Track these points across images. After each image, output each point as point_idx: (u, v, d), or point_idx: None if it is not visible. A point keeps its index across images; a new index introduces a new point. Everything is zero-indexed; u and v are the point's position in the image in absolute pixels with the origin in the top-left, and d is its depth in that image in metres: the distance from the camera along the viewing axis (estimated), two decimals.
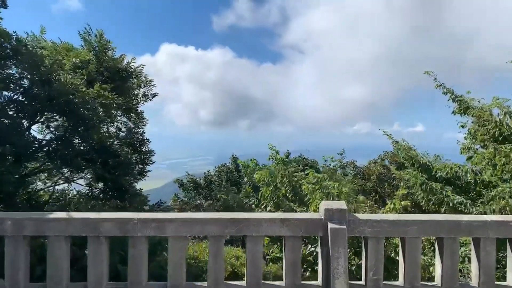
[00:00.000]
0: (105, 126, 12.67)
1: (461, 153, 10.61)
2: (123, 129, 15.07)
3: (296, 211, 8.87)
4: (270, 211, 9.12)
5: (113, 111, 12.65)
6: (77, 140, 11.71)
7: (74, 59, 11.64)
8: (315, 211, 7.83)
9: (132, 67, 13.62)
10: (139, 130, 16.22)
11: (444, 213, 9.53)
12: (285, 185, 11.12)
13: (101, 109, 11.73)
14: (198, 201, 22.26)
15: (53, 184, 13.22)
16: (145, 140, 15.75)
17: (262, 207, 9.46)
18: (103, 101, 11.42)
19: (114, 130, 14.40)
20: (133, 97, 14.84)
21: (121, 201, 13.25)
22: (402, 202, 8.14)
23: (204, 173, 27.21)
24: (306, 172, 11.00)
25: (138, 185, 15.43)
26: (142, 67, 14.27)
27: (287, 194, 10.86)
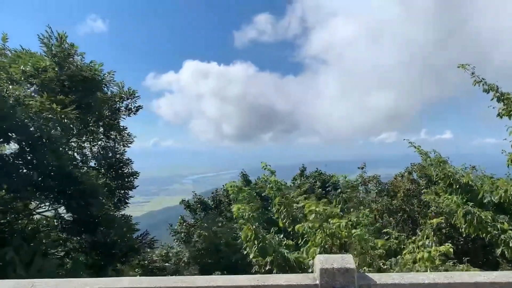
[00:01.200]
0: (67, 147, 10.40)
1: (508, 165, 8.04)
2: (99, 150, 12.85)
3: (290, 261, 6.30)
4: (254, 259, 6.59)
5: (76, 129, 10.36)
6: (30, 165, 9.51)
7: (23, 67, 9.45)
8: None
9: (100, 75, 11.38)
10: (122, 149, 13.99)
11: (503, 255, 6.78)
12: (282, 216, 8.64)
13: (56, 126, 9.48)
14: (205, 224, 19.95)
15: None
16: (127, 161, 13.47)
17: (245, 253, 6.96)
18: (61, 116, 9.20)
19: (87, 152, 12.18)
20: (108, 112, 12.62)
21: (92, 234, 10.95)
22: (441, 248, 5.48)
23: (212, 193, 24.79)
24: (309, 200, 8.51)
25: (132, 211, 13.22)
26: (113, 75, 12.04)
27: (287, 228, 8.39)
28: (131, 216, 14.57)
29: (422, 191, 19.50)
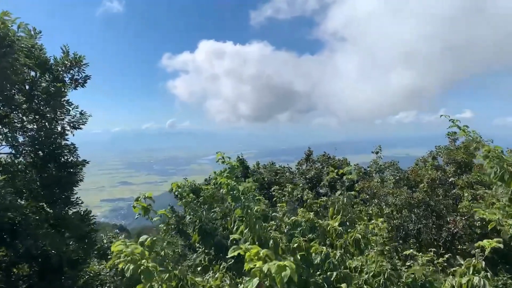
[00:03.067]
0: None
1: None
2: (27, 134, 9.76)
3: None
4: None
5: None
6: None
7: None
8: None
9: (13, 31, 8.19)
10: (70, 131, 10.87)
11: None
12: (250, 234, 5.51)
13: None
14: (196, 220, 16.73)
15: None
16: (68, 147, 10.35)
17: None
18: None
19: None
20: (44, 82, 9.47)
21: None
22: None
23: (205, 179, 21.70)
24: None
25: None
26: (38, 34, 8.82)
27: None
28: (88, 213, 11.64)
29: (450, 180, 16.06)
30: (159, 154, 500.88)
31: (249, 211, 5.31)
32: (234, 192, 5.18)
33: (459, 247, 15.65)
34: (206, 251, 6.64)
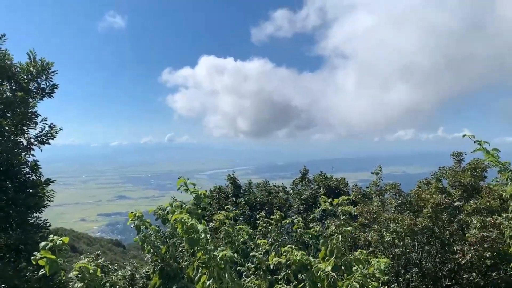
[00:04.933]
0: None
1: None
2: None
3: None
4: None
5: None
6: None
7: None
8: None
9: None
10: (38, 146, 9.67)
11: None
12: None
13: None
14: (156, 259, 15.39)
15: None
16: (29, 166, 9.10)
17: None
18: None
19: None
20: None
21: None
22: None
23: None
24: None
25: None
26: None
27: None
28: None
29: (455, 205, 14.80)
30: (157, 169, 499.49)
31: (212, 257, 4.03)
32: (192, 233, 3.92)
33: (464, 276, 14.36)
34: None
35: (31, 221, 10.16)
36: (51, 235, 3.51)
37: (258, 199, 20.62)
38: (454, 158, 16.63)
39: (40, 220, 10.44)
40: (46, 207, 10.58)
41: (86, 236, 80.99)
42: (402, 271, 14.98)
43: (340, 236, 5.51)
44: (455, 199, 14.65)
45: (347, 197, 5.94)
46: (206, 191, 5.23)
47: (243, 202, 19.62)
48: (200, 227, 3.96)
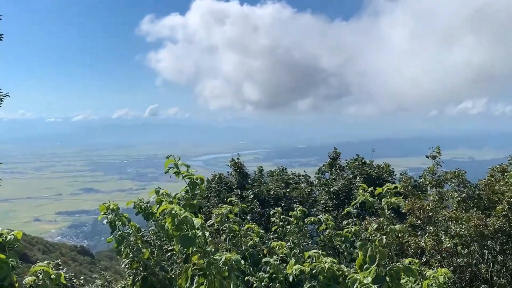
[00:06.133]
0: None
1: None
2: None
3: None
4: None
5: None
6: None
7: None
8: None
9: None
10: None
11: None
12: None
13: None
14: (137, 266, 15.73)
15: None
16: None
17: None
18: None
19: None
20: None
21: None
22: None
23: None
24: None
25: None
26: None
27: None
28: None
29: None
30: (136, 152, 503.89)
31: (213, 261, 4.11)
32: (186, 229, 3.97)
33: None
34: None
35: None
36: None
37: (272, 192, 20.77)
38: None
39: None
40: None
41: (41, 242, 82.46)
42: None
43: (384, 237, 5.55)
44: None
45: (394, 185, 5.96)
46: (204, 176, 5.30)
47: (252, 196, 19.80)
48: (197, 221, 4.00)
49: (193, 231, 4.04)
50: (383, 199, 5.95)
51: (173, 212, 4.01)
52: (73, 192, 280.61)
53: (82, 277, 20.80)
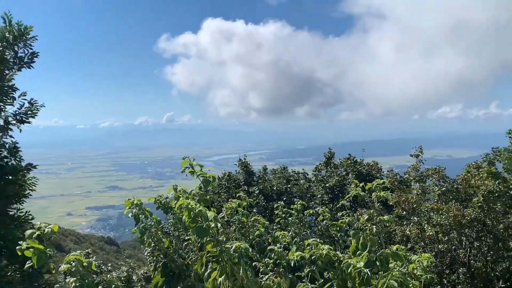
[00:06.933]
0: None
1: None
2: None
3: None
4: None
5: None
6: None
7: None
8: None
9: None
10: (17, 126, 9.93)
11: None
12: None
13: None
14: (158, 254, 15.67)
15: None
16: (9, 148, 9.32)
17: None
18: None
19: None
20: None
21: None
22: None
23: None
24: None
25: None
26: None
27: None
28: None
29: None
30: (155, 154, 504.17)
31: (224, 249, 4.10)
32: (201, 221, 3.97)
33: None
34: None
35: (11, 214, 10.38)
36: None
37: (275, 188, 20.74)
38: (510, 137, 16.44)
39: (21, 212, 10.66)
40: (28, 197, 10.76)
41: (73, 233, 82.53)
42: (447, 271, 15.00)
43: (375, 226, 5.52)
44: (511, 186, 14.52)
45: (382, 180, 5.93)
46: (216, 175, 5.29)
47: (257, 191, 19.76)
48: (210, 214, 4.01)
49: (207, 223, 4.05)
50: (373, 193, 5.93)
51: (189, 206, 4.02)
52: (100, 190, 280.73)
53: (109, 264, 20.73)
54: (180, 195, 4.84)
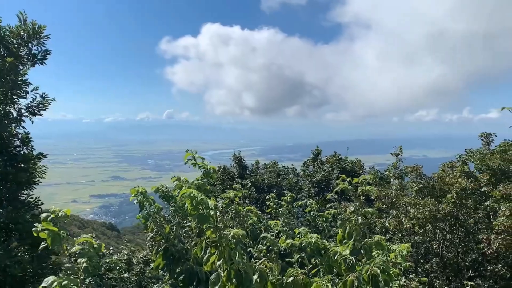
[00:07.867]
0: None
1: None
2: None
3: None
4: None
5: None
6: None
7: None
8: None
9: None
10: (29, 118, 9.83)
11: None
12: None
13: None
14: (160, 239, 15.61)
15: None
16: (22, 138, 9.22)
17: None
18: None
19: None
20: None
21: None
22: None
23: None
24: None
25: None
26: None
27: None
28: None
29: (483, 190, 14.79)
30: (155, 148, 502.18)
31: (223, 235, 4.09)
32: (201, 209, 3.96)
33: (489, 267, 14.48)
34: (171, 281, 5.44)
35: (22, 199, 10.31)
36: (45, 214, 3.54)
37: (266, 181, 20.75)
38: (482, 140, 16.55)
39: (32, 198, 10.59)
40: (38, 184, 10.70)
41: (77, 219, 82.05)
42: (422, 261, 15.12)
43: (360, 217, 5.54)
44: (482, 184, 14.59)
45: (368, 176, 5.95)
46: (215, 166, 5.28)
47: (250, 184, 19.76)
48: (211, 202, 4.00)
49: (208, 210, 4.03)
50: (358, 188, 5.95)
51: (191, 195, 4.00)
52: (103, 179, 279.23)
53: (111, 248, 20.67)
54: (183, 185, 4.82)
